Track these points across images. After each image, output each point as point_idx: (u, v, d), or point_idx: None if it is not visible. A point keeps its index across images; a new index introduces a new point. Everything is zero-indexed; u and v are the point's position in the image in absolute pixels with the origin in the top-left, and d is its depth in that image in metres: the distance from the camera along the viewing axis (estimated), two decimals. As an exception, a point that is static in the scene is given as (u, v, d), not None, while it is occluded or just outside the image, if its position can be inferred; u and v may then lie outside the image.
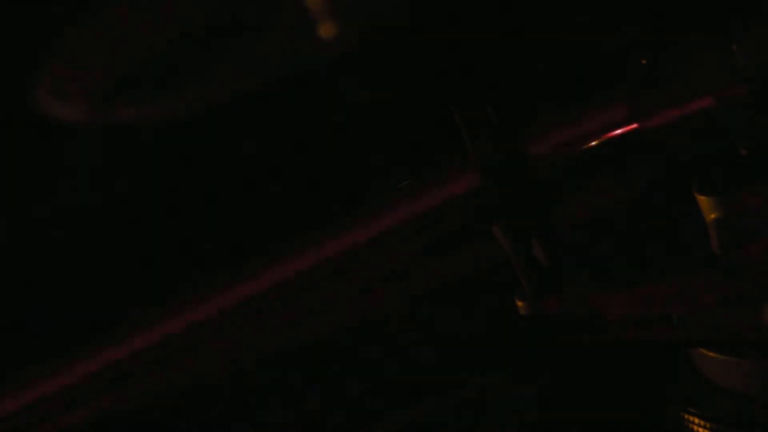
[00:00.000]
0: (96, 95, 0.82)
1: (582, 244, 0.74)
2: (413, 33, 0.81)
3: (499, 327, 0.90)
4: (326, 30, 0.81)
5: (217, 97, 0.82)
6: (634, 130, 0.72)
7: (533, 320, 0.74)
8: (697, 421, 0.73)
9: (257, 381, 0.94)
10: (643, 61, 0.73)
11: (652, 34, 0.77)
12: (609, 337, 0.83)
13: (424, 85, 0.84)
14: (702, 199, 0.71)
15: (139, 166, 0.90)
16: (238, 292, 0.91)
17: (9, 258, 0.91)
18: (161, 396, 0.90)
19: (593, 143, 0.73)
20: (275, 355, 0.93)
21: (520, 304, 0.74)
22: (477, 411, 0.93)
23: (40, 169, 0.89)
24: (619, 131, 0.73)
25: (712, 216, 0.71)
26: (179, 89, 0.83)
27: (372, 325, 0.93)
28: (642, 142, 0.73)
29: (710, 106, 0.71)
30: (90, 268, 0.92)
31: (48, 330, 0.92)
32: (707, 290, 0.72)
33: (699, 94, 0.71)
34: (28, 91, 0.84)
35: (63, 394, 0.86)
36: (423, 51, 0.82)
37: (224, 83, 0.81)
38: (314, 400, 0.94)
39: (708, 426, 0.73)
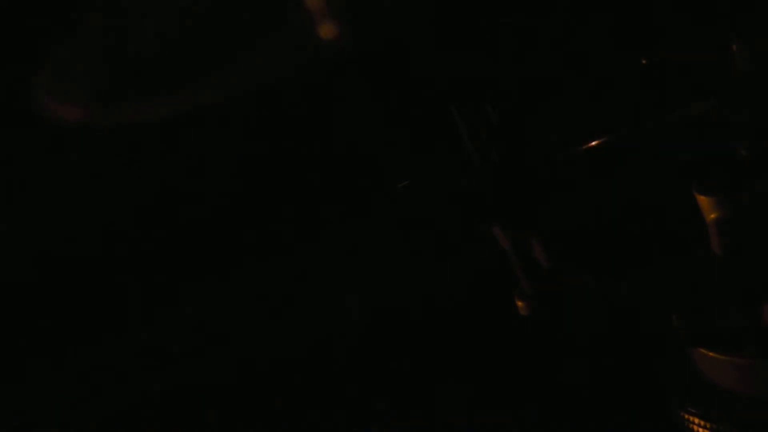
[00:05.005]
0: (96, 95, 0.82)
1: (582, 244, 0.74)
2: (413, 33, 0.81)
3: (499, 327, 0.90)
4: (326, 30, 0.81)
5: (216, 98, 0.82)
6: (635, 130, 0.72)
7: (533, 320, 0.75)
8: (697, 421, 0.73)
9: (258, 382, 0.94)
10: (644, 62, 0.73)
11: (654, 34, 0.77)
12: (609, 337, 0.83)
13: (425, 85, 0.84)
14: (702, 199, 0.71)
15: (139, 166, 0.90)
16: (240, 290, 0.92)
17: (9, 258, 0.91)
18: (157, 397, 0.91)
19: (593, 143, 0.73)
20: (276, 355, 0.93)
21: (520, 304, 0.74)
22: (476, 411, 0.93)
23: (40, 170, 0.89)
24: (619, 131, 0.73)
25: (712, 216, 0.71)
26: (179, 89, 0.83)
27: (372, 325, 0.93)
28: (642, 143, 0.73)
29: (710, 106, 0.71)
30: (88, 268, 0.92)
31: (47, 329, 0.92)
32: (707, 290, 0.72)
33: (699, 94, 0.71)
34: (28, 91, 0.85)
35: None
36: (423, 51, 0.82)
37: (223, 84, 0.81)
38: (314, 400, 0.94)
39: (708, 426, 0.73)
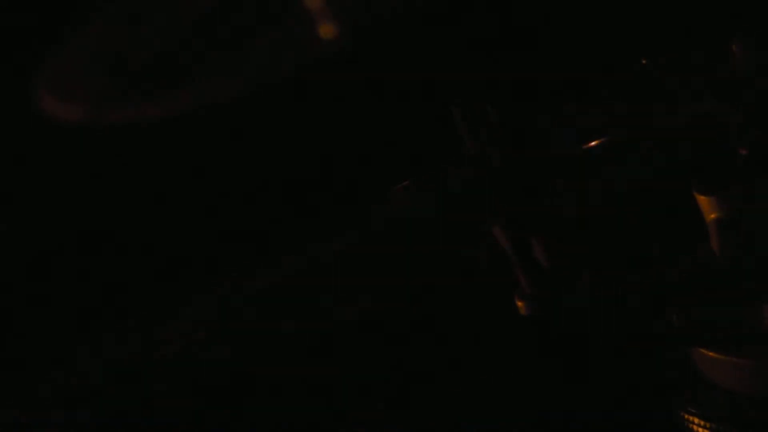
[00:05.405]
0: (96, 95, 0.82)
1: (581, 244, 0.74)
2: (413, 32, 0.81)
3: (499, 327, 0.90)
4: (326, 29, 0.81)
5: (216, 98, 0.82)
6: (634, 130, 0.72)
7: (533, 320, 0.74)
8: (697, 421, 0.73)
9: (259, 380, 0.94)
10: (644, 61, 0.73)
11: (655, 35, 0.77)
12: (609, 337, 0.83)
13: (424, 85, 0.84)
14: (702, 199, 0.71)
15: (139, 166, 0.90)
16: (243, 290, 0.91)
17: (8, 258, 0.91)
18: (157, 396, 0.90)
19: (593, 143, 0.73)
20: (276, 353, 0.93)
21: (520, 304, 0.74)
22: (476, 411, 0.93)
23: (39, 170, 0.89)
24: (619, 131, 0.73)
25: (712, 216, 0.71)
26: (179, 89, 0.82)
27: (372, 325, 0.93)
28: (642, 142, 0.72)
29: (710, 107, 0.71)
30: (87, 268, 0.92)
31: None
32: (706, 290, 0.72)
33: (699, 94, 0.71)
34: (28, 91, 0.84)
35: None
36: (423, 50, 0.82)
37: (224, 83, 0.81)
38: (315, 399, 0.94)
39: (708, 426, 0.73)
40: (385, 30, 0.81)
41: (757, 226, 0.70)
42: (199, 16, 0.81)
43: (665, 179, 0.73)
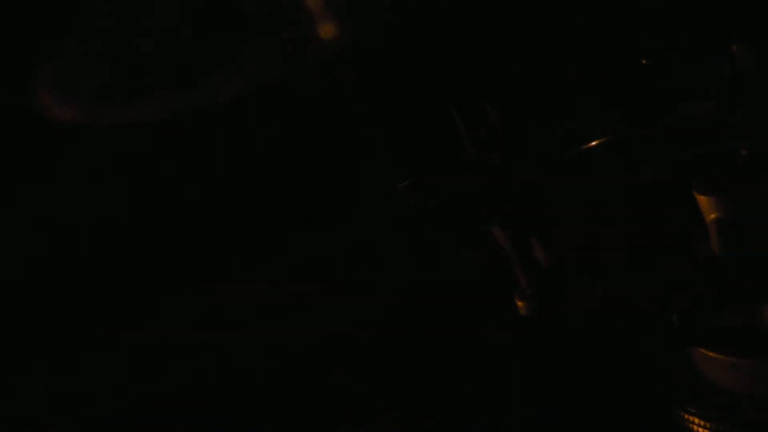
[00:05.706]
0: (96, 95, 0.82)
1: (581, 244, 0.74)
2: (413, 32, 0.81)
3: (500, 327, 0.90)
4: (326, 30, 0.81)
5: (215, 98, 0.82)
6: (634, 130, 0.72)
7: (533, 320, 0.74)
8: (697, 421, 0.73)
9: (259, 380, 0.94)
10: (644, 61, 0.73)
11: (654, 35, 0.77)
12: (609, 336, 0.83)
13: (424, 85, 0.84)
14: (702, 199, 0.71)
15: (139, 166, 0.90)
16: (238, 291, 0.92)
17: (8, 257, 0.91)
18: (161, 395, 0.91)
19: (593, 143, 0.73)
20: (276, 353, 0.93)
21: (520, 304, 0.74)
22: (476, 411, 0.93)
23: (39, 170, 0.89)
24: (619, 131, 0.73)
25: (712, 216, 0.71)
26: (179, 90, 0.83)
27: (372, 325, 0.93)
28: (642, 142, 0.73)
29: (710, 107, 0.71)
30: (86, 268, 0.92)
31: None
32: (705, 289, 0.72)
33: (699, 94, 0.71)
34: (28, 91, 0.85)
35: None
36: (423, 50, 0.82)
37: (223, 84, 0.81)
38: (315, 399, 0.94)
39: (708, 426, 0.73)
40: (384, 30, 0.81)
41: (757, 226, 0.70)
42: (199, 15, 0.81)
43: (665, 179, 0.73)
